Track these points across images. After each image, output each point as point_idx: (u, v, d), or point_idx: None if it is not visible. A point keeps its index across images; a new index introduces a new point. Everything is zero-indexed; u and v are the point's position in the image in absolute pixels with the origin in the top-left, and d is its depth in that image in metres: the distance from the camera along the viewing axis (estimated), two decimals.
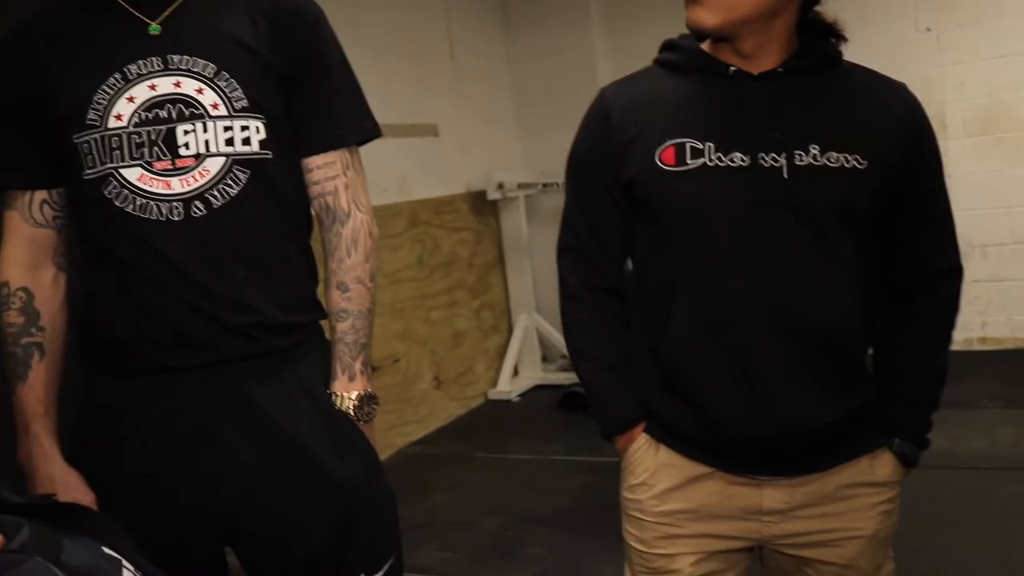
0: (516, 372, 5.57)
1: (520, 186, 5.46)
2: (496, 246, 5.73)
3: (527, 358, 5.67)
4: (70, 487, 1.47)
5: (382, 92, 4.79)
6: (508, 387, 5.47)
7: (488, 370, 5.56)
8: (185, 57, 1.45)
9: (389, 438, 4.68)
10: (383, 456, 4.49)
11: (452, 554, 3.47)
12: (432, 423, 5.02)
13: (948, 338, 1.57)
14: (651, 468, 1.53)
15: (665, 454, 1.52)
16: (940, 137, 5.25)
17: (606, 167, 1.50)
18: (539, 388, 5.54)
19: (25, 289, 1.51)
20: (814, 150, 1.41)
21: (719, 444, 1.47)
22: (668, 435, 1.52)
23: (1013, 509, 3.24)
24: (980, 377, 4.80)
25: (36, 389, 1.51)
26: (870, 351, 1.54)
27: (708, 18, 1.40)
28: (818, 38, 1.50)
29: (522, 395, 5.44)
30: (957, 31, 5.19)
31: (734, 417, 1.44)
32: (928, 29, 5.24)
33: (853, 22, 5.40)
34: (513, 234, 5.66)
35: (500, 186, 5.45)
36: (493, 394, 5.48)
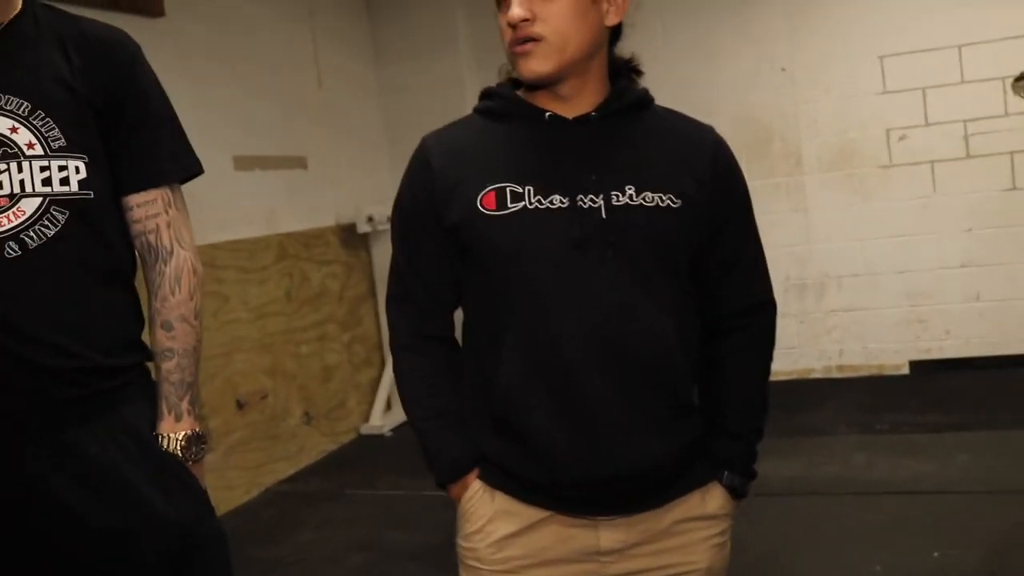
0: (389, 406, 5.52)
1: (390, 219, 5.42)
2: (367, 279, 5.69)
3: None
4: None
5: (248, 123, 4.81)
6: (380, 421, 5.43)
7: (360, 404, 5.51)
8: None
9: (258, 476, 4.58)
10: (251, 494, 4.47)
11: None
12: (302, 460, 4.94)
13: (766, 370, 1.63)
14: (487, 515, 1.52)
15: (501, 500, 1.52)
16: (796, 173, 5.52)
17: (430, 214, 1.51)
18: None
19: None
20: (630, 190, 1.45)
21: (555, 486, 1.48)
22: (504, 480, 1.52)
23: (858, 532, 3.36)
24: (836, 403, 5.00)
25: None
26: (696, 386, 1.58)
27: (543, 66, 1.44)
28: (627, 81, 1.55)
29: (394, 430, 5.40)
30: (809, 71, 5.43)
31: (568, 460, 1.45)
32: (783, 69, 5.46)
33: (710, 59, 5.65)
34: (384, 267, 5.51)
35: (370, 219, 5.43)
36: (365, 429, 5.43)
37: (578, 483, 1.46)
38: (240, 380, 4.55)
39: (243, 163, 4.72)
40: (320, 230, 5.30)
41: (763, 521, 3.36)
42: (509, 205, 1.45)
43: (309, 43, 5.40)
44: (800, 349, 5.56)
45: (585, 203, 1.44)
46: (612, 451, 1.45)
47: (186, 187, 1.62)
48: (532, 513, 1.50)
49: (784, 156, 5.47)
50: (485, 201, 1.45)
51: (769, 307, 1.64)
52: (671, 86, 5.44)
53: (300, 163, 5.21)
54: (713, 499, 1.55)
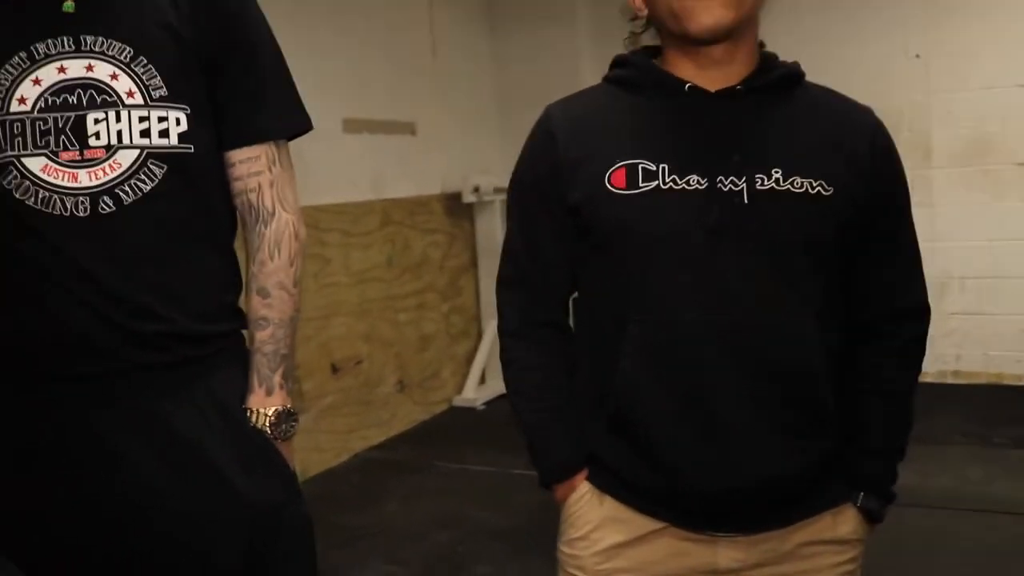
0: (483, 379, 5.45)
1: (497, 190, 5.34)
2: (469, 250, 5.61)
3: (495, 366, 5.52)
4: None
5: (360, 86, 4.75)
6: (474, 395, 5.36)
7: (454, 376, 5.45)
8: (100, 39, 1.32)
9: (348, 442, 4.57)
10: (341, 459, 4.46)
11: (399, 567, 3.36)
12: (394, 428, 4.91)
13: (914, 383, 1.47)
14: (594, 521, 1.40)
15: (611, 506, 1.40)
16: (924, 166, 5.19)
17: (551, 191, 1.39)
18: (505, 397, 5.42)
19: None
20: (776, 174, 1.31)
21: (672, 496, 1.36)
22: (615, 485, 1.39)
23: (974, 555, 3.15)
24: (951, 412, 4.73)
25: None
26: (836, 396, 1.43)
27: (726, 14, 1.28)
28: (775, 56, 1.40)
29: (488, 403, 5.33)
30: (946, 59, 5.12)
31: (689, 467, 1.33)
32: (917, 56, 5.17)
33: (841, 43, 5.37)
34: (488, 238, 5.54)
35: (476, 189, 5.34)
36: (458, 401, 5.37)
37: (698, 494, 1.34)
38: (336, 345, 4.53)
39: (352, 126, 4.67)
40: (425, 198, 5.24)
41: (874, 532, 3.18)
42: (641, 184, 1.31)
43: (425, 8, 5.31)
44: None
45: (726, 185, 1.30)
46: (739, 461, 1.32)
47: (292, 146, 1.53)
48: (644, 523, 1.38)
49: (913, 147, 5.18)
50: (614, 178, 1.33)
51: (922, 313, 1.47)
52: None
53: (409, 129, 5.14)
54: (846, 522, 1.40)
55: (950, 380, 5.26)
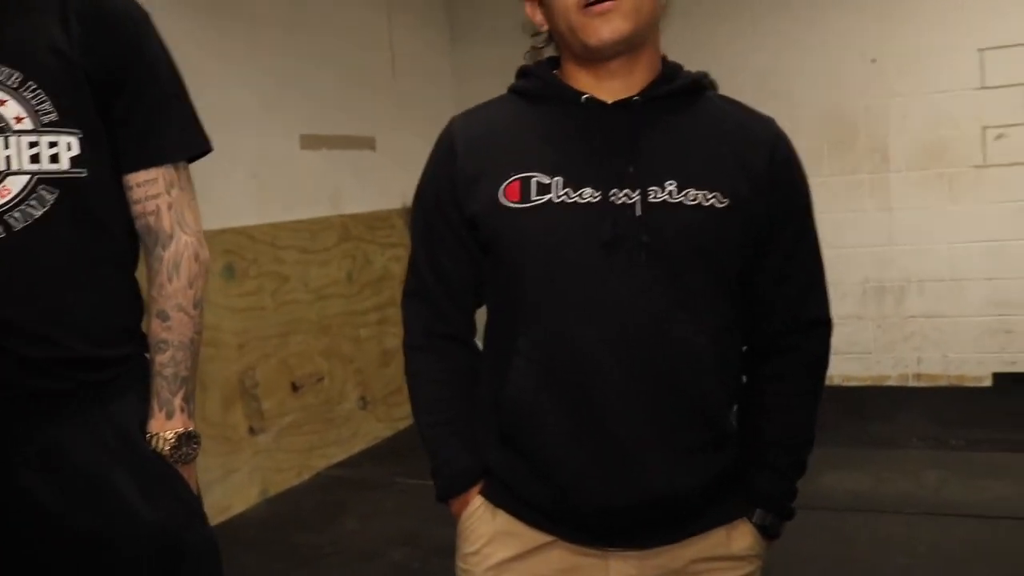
0: None
1: (412, 206, 5.31)
2: None
3: None
4: None
5: (318, 102, 4.74)
6: None
7: None
8: None
9: (309, 459, 4.54)
10: (302, 478, 4.43)
11: None
12: (356, 445, 4.88)
13: (816, 397, 1.46)
14: (486, 535, 1.39)
15: (503, 520, 1.39)
16: (882, 170, 5.22)
17: (451, 203, 1.38)
18: None
19: None
20: (670, 186, 1.30)
21: (563, 511, 1.35)
22: (507, 498, 1.38)
23: (926, 557, 3.16)
24: (911, 415, 4.76)
25: None
26: (735, 409, 1.43)
27: (624, 25, 1.28)
28: (677, 66, 1.40)
29: None
30: (902, 63, 5.16)
31: (579, 482, 1.32)
32: (873, 60, 5.20)
33: (798, 48, 5.42)
34: None
35: None
36: None
37: (589, 509, 1.32)
38: (296, 362, 4.51)
39: (310, 142, 4.66)
40: (386, 212, 5.23)
41: (823, 536, 3.19)
42: (534, 197, 1.31)
43: (385, 22, 5.31)
44: (875, 355, 5.31)
45: (619, 198, 1.29)
46: (630, 476, 1.30)
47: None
48: (535, 536, 1.37)
49: (869, 152, 5.21)
50: (508, 192, 1.32)
51: (824, 327, 1.46)
52: (755, 77, 5.31)
53: (369, 144, 5.13)
54: (740, 538, 1.39)
55: (911, 383, 5.28)
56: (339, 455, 4.74)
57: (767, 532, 1.41)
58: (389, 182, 5.26)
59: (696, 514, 1.36)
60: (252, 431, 4.20)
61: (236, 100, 4.11)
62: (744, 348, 1.44)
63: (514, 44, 6.19)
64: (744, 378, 1.44)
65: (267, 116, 4.32)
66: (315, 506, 4.16)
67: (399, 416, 5.24)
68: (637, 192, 1.29)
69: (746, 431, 1.42)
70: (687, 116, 1.37)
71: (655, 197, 1.29)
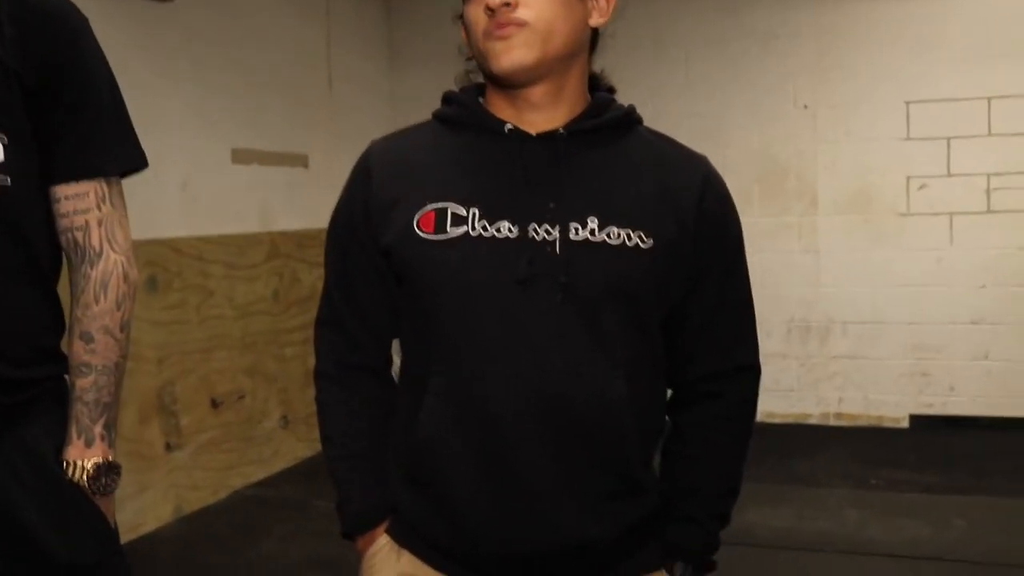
0: None
1: (326, 232, 5.28)
2: None
3: None
4: None
5: (251, 117, 4.67)
6: None
7: None
8: None
9: (227, 478, 4.43)
10: (219, 496, 4.31)
11: None
12: (276, 464, 4.78)
13: (742, 446, 1.41)
14: None
15: (408, 560, 1.33)
16: (811, 213, 5.31)
17: (365, 231, 1.33)
18: None
19: None
20: (592, 224, 1.25)
21: (469, 555, 1.30)
22: (412, 539, 1.33)
23: None
24: (833, 453, 4.83)
25: None
26: (656, 456, 1.40)
27: (526, 55, 1.24)
28: (607, 100, 1.36)
29: None
30: (832, 111, 5.28)
31: (487, 527, 1.27)
32: (806, 106, 5.31)
33: (732, 91, 5.48)
34: None
35: None
36: None
37: (496, 556, 1.28)
38: (217, 378, 4.40)
39: (241, 156, 4.58)
40: (317, 231, 5.15)
41: (745, 572, 3.18)
42: (448, 229, 1.26)
43: (323, 40, 5.27)
44: (798, 392, 5.39)
45: (538, 234, 1.24)
46: (538, 524, 1.26)
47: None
48: None
49: (799, 195, 5.31)
50: (422, 222, 1.27)
51: (751, 373, 1.42)
52: (689, 118, 5.40)
53: (301, 161, 5.07)
54: None
55: (832, 422, 5.36)
56: (258, 474, 4.63)
57: None
58: (320, 201, 5.17)
59: (609, 564, 1.32)
60: (168, 447, 4.08)
61: (169, 109, 4.03)
62: (668, 392, 1.40)
63: (454, 67, 6.18)
64: (668, 423, 1.41)
65: (200, 128, 4.24)
66: (231, 526, 4.05)
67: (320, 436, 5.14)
68: (556, 228, 1.25)
69: (667, 479, 1.38)
70: (614, 151, 1.33)
71: (576, 235, 1.25)
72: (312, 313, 5.01)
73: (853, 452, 4.84)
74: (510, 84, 1.29)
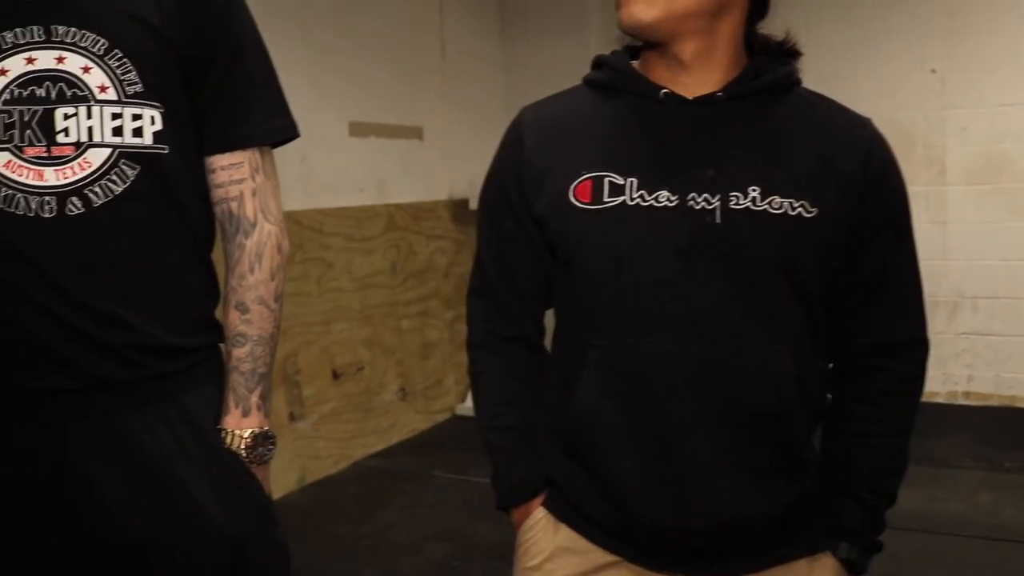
0: None
1: (479, 199, 5.27)
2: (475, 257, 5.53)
3: None
4: None
5: (367, 89, 4.69)
6: None
7: (458, 384, 5.38)
8: (72, 29, 1.25)
9: (348, 448, 4.50)
10: (340, 466, 4.39)
11: None
12: (394, 436, 4.84)
13: (908, 423, 1.35)
14: (548, 550, 1.31)
15: (566, 535, 1.31)
16: (938, 183, 5.06)
17: (518, 199, 1.30)
18: None
19: None
20: (753, 192, 1.21)
21: (629, 530, 1.27)
22: (571, 513, 1.31)
23: None
24: (962, 434, 4.64)
25: None
26: (818, 431, 1.34)
27: (646, 12, 1.20)
28: (771, 60, 1.30)
29: None
30: (963, 75, 5.04)
31: (647, 502, 1.24)
32: (933, 70, 5.09)
33: (857, 54, 5.26)
34: None
35: None
36: (461, 410, 5.29)
37: (653, 531, 1.25)
38: (338, 350, 4.46)
39: (358, 129, 4.61)
40: (432, 203, 5.18)
41: (879, 556, 3.09)
42: (606, 199, 1.22)
43: (435, 11, 5.26)
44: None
45: (697, 203, 1.20)
46: (696, 500, 1.22)
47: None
48: (599, 555, 1.29)
49: (927, 164, 5.10)
50: (578, 191, 1.24)
51: (919, 347, 1.34)
52: (809, 84, 5.19)
53: (416, 133, 5.08)
54: (823, 571, 1.30)
55: (960, 401, 5.16)
56: (377, 445, 4.70)
57: (853, 568, 1.31)
58: (435, 173, 5.21)
59: (773, 543, 1.28)
60: (292, 417, 4.16)
61: (287, 84, 4.03)
62: (830, 367, 1.35)
63: (564, 36, 6.15)
64: (829, 398, 1.35)
65: (318, 101, 4.27)
66: (353, 496, 4.11)
67: (437, 409, 5.19)
68: (717, 197, 1.21)
69: (829, 456, 1.33)
70: (774, 115, 1.27)
71: (736, 204, 1.21)
72: (428, 286, 5.04)
73: (984, 433, 4.65)
74: (647, 41, 1.26)
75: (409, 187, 4.99)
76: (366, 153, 4.68)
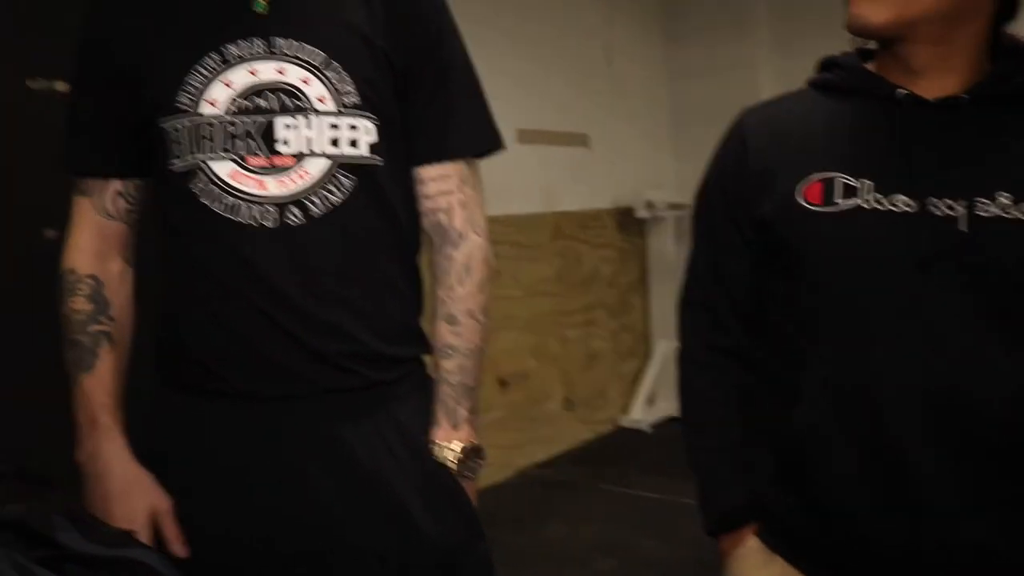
0: (651, 401, 5.29)
1: (670, 206, 5.18)
2: (640, 266, 5.46)
3: (664, 387, 5.35)
4: (145, 490, 1.29)
5: (534, 96, 4.68)
6: (641, 415, 5.20)
7: (621, 396, 5.31)
8: (292, 42, 1.26)
9: (511, 457, 4.49)
10: (505, 474, 4.37)
11: None
12: (558, 446, 4.80)
13: None
14: None
15: (781, 569, 1.23)
16: None
17: (739, 203, 1.25)
18: (675, 420, 5.22)
19: (94, 277, 1.34)
20: (1004, 199, 1.11)
21: (853, 562, 1.17)
22: (787, 544, 1.23)
23: None
24: None
25: (105, 380, 1.32)
26: None
27: (876, 14, 1.13)
28: (1018, 63, 1.19)
29: (656, 426, 5.16)
30: None
31: (871, 528, 1.15)
32: None
33: None
34: (659, 256, 5.38)
35: (649, 204, 5.19)
36: (625, 421, 5.22)
37: (883, 563, 1.15)
38: (504, 358, 4.46)
39: (526, 136, 4.61)
40: (597, 212, 5.13)
41: None
42: (838, 201, 1.16)
43: (601, 19, 5.21)
44: None
45: (940, 209, 1.12)
46: (928, 531, 1.13)
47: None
48: None
49: None
50: (808, 192, 1.18)
51: None
52: None
53: (582, 141, 5.04)
54: None
55: None
56: (541, 455, 4.67)
57: None
58: (601, 181, 5.16)
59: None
60: None
61: None
62: None
63: (729, 41, 5.95)
64: None
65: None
66: (518, 505, 4.09)
67: (601, 419, 5.13)
68: (962, 203, 1.12)
69: None
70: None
71: (985, 211, 1.11)
72: (592, 295, 4.98)
73: None
74: (881, 42, 1.19)
75: (575, 195, 4.96)
76: (533, 160, 4.67)
